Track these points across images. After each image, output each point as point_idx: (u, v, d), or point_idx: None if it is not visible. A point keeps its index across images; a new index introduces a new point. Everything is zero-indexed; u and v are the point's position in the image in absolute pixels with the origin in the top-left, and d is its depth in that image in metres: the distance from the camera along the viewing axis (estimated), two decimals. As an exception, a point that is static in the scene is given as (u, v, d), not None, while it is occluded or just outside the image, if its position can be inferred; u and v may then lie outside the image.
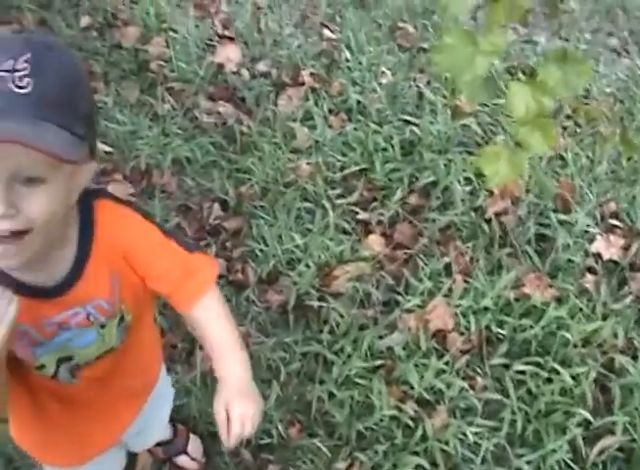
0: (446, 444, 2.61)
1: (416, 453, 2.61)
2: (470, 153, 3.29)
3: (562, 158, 3.28)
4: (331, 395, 2.71)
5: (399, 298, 2.89)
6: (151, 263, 1.66)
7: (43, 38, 1.41)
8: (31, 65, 1.31)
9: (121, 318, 1.68)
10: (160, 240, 1.65)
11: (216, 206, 3.16)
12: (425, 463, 2.58)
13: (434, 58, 1.83)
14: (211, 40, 3.74)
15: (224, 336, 1.78)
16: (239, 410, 1.69)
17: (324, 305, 2.87)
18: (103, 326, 1.65)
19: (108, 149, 3.34)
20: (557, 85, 1.88)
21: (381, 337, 2.80)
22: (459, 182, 3.16)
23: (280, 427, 2.66)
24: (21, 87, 1.30)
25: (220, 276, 2.96)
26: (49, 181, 1.35)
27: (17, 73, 1.30)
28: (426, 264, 2.94)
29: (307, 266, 2.96)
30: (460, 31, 1.80)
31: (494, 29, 1.78)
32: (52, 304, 1.56)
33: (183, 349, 2.83)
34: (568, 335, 2.75)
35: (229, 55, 3.64)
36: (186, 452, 2.60)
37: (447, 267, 2.95)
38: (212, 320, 1.77)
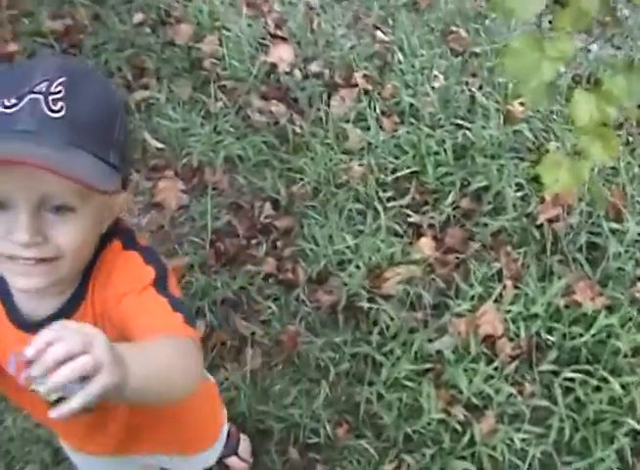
0: (493, 449, 2.61)
1: (463, 458, 2.61)
2: (521, 159, 3.28)
3: (613, 167, 3.26)
4: (379, 396, 2.72)
5: (449, 302, 2.89)
6: (130, 318, 1.40)
7: (80, 64, 1.38)
8: (66, 88, 1.28)
9: None
10: (151, 294, 1.41)
11: (267, 205, 3.17)
12: (472, 468, 2.58)
13: (502, 61, 1.83)
14: (264, 39, 3.75)
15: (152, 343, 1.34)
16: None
17: (374, 306, 2.87)
18: None
19: (160, 145, 3.36)
20: (622, 94, 1.88)
21: (430, 340, 2.80)
22: (511, 187, 3.15)
23: (328, 427, 2.68)
24: (54, 111, 1.27)
25: (270, 275, 2.99)
26: (79, 211, 1.33)
27: (50, 97, 1.27)
28: (476, 269, 2.93)
29: (358, 267, 2.96)
30: (527, 36, 1.81)
31: (561, 36, 1.79)
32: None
33: (232, 346, 2.85)
34: (618, 344, 2.74)
35: (282, 55, 3.65)
36: (237, 454, 2.60)
37: (498, 273, 2.95)
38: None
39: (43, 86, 1.27)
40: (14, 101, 1.26)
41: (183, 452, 2.06)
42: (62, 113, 1.27)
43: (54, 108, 1.27)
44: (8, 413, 2.74)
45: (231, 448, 2.57)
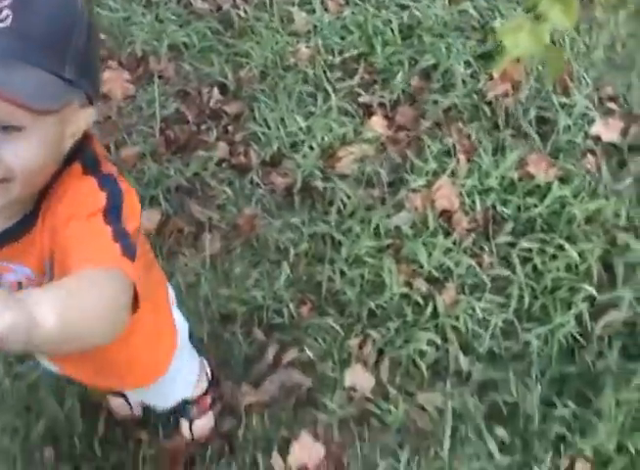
0: (456, 319, 2.65)
1: (427, 330, 2.64)
2: (467, 37, 3.28)
3: (560, 43, 3.28)
4: (341, 274, 2.73)
5: (405, 178, 2.90)
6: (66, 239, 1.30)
7: None
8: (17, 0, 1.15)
9: None
10: (97, 222, 1.29)
11: (215, 90, 3.13)
12: (436, 338, 2.62)
13: None
14: None
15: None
16: None
17: (329, 185, 2.87)
18: None
19: (101, 36, 3.28)
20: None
21: (388, 216, 2.81)
22: (459, 65, 3.15)
23: (291, 306, 2.69)
24: None
25: (223, 160, 2.97)
26: (29, 129, 1.20)
27: None
28: (429, 146, 2.94)
29: (311, 148, 2.95)
30: None
31: None
32: None
33: (189, 232, 2.83)
34: (573, 212, 2.78)
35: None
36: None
37: (451, 149, 2.96)
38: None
39: None
40: None
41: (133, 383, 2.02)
42: (7, 22, 1.14)
43: None
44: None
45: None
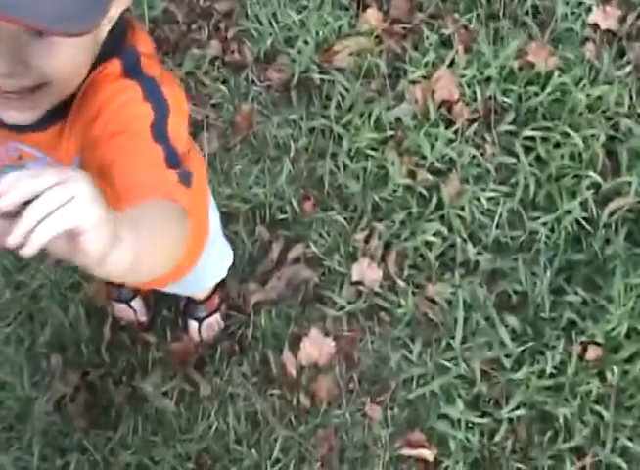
0: (461, 209, 2.63)
1: (432, 221, 2.62)
2: None
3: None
4: (344, 167, 2.69)
5: (403, 69, 2.83)
6: (115, 159, 1.21)
7: None
8: None
9: None
10: (145, 139, 1.23)
11: (204, -14, 3.03)
12: (442, 229, 2.59)
13: None
14: None
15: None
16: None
17: (327, 77, 2.80)
18: None
19: None
20: None
21: (388, 108, 2.76)
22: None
23: (294, 202, 2.65)
24: None
25: (215, 58, 2.89)
26: None
27: None
28: (426, 37, 2.87)
29: (306, 43, 2.87)
30: None
31: None
32: (17, 134, 1.34)
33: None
34: (577, 97, 2.74)
35: None
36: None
37: (448, 40, 2.89)
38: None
39: None
40: None
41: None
42: None
43: None
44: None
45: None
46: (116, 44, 1.28)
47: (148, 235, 1.02)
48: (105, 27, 1.21)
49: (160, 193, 1.16)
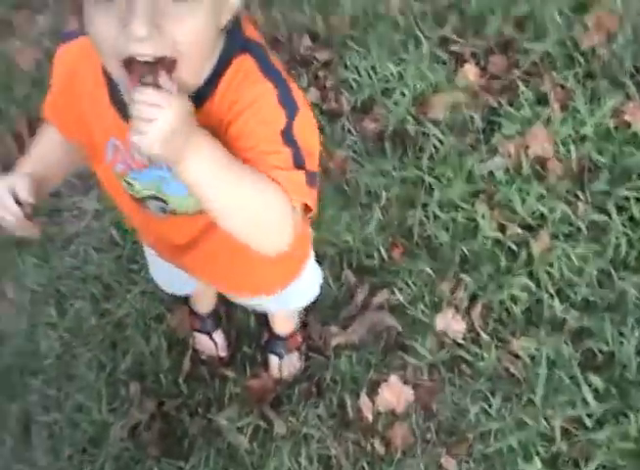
0: (551, 266, 2.60)
1: (520, 276, 2.60)
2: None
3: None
4: (434, 218, 2.69)
5: (498, 125, 2.85)
6: (245, 150, 1.36)
7: None
8: None
9: None
10: (273, 140, 1.36)
11: (306, 37, 3.11)
12: (530, 284, 2.57)
13: None
14: None
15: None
16: None
17: (422, 129, 2.83)
18: None
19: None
20: None
21: (481, 161, 2.77)
22: (553, 15, 3.08)
23: (382, 249, 2.66)
24: None
25: (314, 105, 2.93)
26: None
27: None
28: (522, 93, 2.89)
29: (403, 95, 2.92)
30: None
31: None
32: None
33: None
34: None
35: None
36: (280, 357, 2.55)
37: (544, 97, 2.90)
38: None
39: None
40: None
41: (239, 292, 2.05)
42: None
43: None
44: (53, 251, 2.76)
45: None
46: (237, 37, 1.37)
47: (249, 186, 1.30)
48: (227, 14, 1.30)
49: (287, 190, 1.32)
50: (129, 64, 1.22)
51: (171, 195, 1.54)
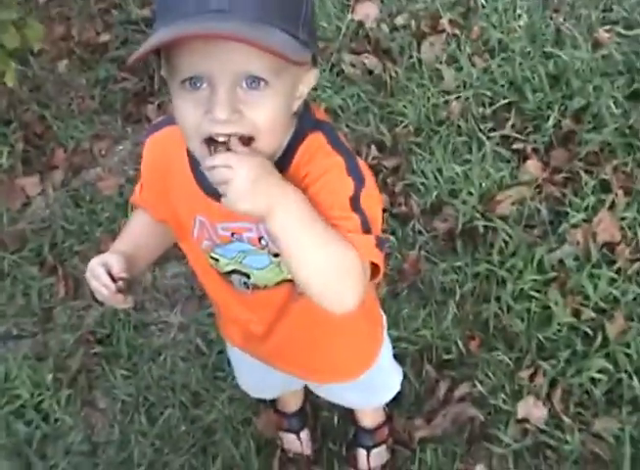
0: (627, 346, 2.65)
1: (598, 358, 2.64)
2: (614, 80, 3.32)
3: None
4: (508, 309, 2.77)
5: (564, 215, 2.94)
6: None
7: None
8: None
9: None
10: (343, 207, 1.46)
11: (373, 147, 3.26)
12: (608, 366, 2.62)
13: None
14: (348, 0, 3.85)
15: None
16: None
17: (490, 224, 2.94)
18: (276, 255, 1.62)
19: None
20: None
21: (550, 251, 2.85)
22: (609, 107, 3.19)
23: (459, 343, 2.74)
24: None
25: (384, 210, 3.04)
26: (272, 84, 1.35)
27: None
28: (586, 183, 2.98)
29: (470, 194, 3.04)
30: None
31: None
32: (225, 209, 1.49)
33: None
34: None
35: (367, 12, 3.75)
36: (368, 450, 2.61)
37: (607, 184, 2.99)
38: None
39: None
40: None
41: (320, 378, 2.12)
42: None
43: None
44: (142, 362, 2.88)
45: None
46: (309, 119, 1.53)
47: (330, 242, 1.42)
48: (297, 101, 1.46)
49: (361, 251, 1.44)
50: (210, 142, 1.39)
51: (252, 269, 1.68)
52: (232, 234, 1.62)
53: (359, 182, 1.48)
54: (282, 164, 1.47)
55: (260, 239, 1.60)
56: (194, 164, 1.58)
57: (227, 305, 1.88)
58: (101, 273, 1.59)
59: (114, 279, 1.59)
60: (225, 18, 1.29)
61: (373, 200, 1.51)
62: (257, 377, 2.21)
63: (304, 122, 1.51)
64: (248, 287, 1.73)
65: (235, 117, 1.35)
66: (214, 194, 1.51)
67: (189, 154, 1.57)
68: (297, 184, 1.45)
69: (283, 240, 1.42)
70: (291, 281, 1.67)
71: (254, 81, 1.34)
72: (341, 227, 1.44)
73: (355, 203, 1.46)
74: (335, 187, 1.47)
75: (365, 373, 2.09)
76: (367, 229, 1.46)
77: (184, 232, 1.73)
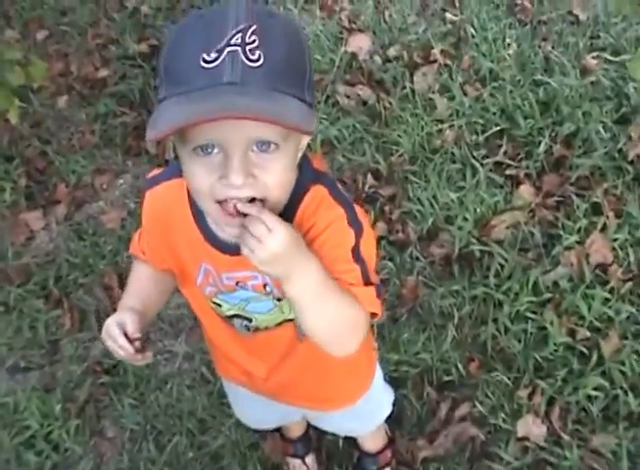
0: (622, 364, 2.71)
1: (594, 376, 2.71)
2: (603, 105, 3.41)
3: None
4: (505, 331, 2.84)
5: (557, 238, 3.01)
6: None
7: (264, 7, 1.44)
8: (259, 36, 1.33)
9: None
10: (346, 260, 1.57)
11: (369, 176, 3.34)
12: (604, 383, 2.68)
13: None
14: (341, 33, 3.95)
15: None
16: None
17: (486, 249, 3.01)
18: (279, 299, 1.69)
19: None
20: None
21: (545, 273, 2.92)
22: (598, 132, 3.28)
23: (459, 365, 2.80)
24: (252, 60, 1.33)
25: (381, 237, 3.14)
26: (281, 148, 1.40)
27: (247, 47, 1.32)
28: (578, 206, 3.06)
29: (465, 220, 3.11)
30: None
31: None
32: (231, 259, 1.62)
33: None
34: None
35: (360, 44, 3.85)
36: None
37: (598, 207, 3.07)
38: None
39: (238, 38, 1.33)
40: (214, 55, 1.32)
41: (323, 406, 2.14)
42: (260, 61, 1.33)
43: (252, 58, 1.33)
44: (148, 391, 2.93)
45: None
46: (309, 169, 1.59)
47: (340, 301, 1.54)
48: (299, 153, 1.51)
49: (364, 303, 1.57)
50: (223, 201, 1.45)
51: (255, 313, 1.74)
52: (236, 283, 1.68)
53: (359, 231, 1.57)
54: (286, 215, 1.51)
55: (265, 285, 1.67)
56: (197, 216, 1.64)
57: (227, 348, 1.93)
58: (117, 335, 1.60)
59: (129, 338, 1.61)
60: (239, 92, 1.32)
61: (370, 244, 1.61)
62: (258, 412, 2.27)
63: (305, 174, 1.57)
64: (249, 330, 1.80)
65: (249, 181, 1.40)
66: (219, 246, 1.61)
67: (191, 207, 1.63)
68: (303, 235, 1.52)
69: (298, 301, 1.52)
70: (291, 320, 1.75)
71: (265, 144, 1.39)
72: (343, 281, 1.55)
73: (356, 253, 1.57)
74: (338, 240, 1.56)
75: (363, 395, 2.15)
76: (367, 278, 1.58)
77: (187, 279, 1.78)
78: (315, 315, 1.55)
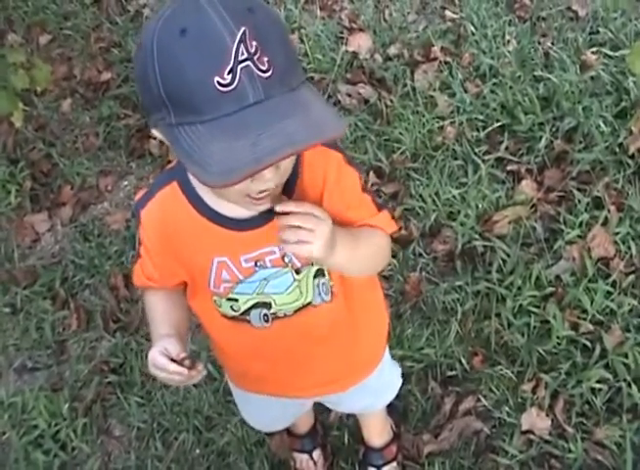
0: (625, 357, 2.73)
1: (597, 369, 2.72)
2: (603, 100, 3.42)
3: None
4: (508, 325, 2.86)
5: (559, 232, 3.03)
6: (341, 212, 1.65)
7: (234, 2, 1.33)
8: (256, 39, 1.29)
9: (319, 272, 1.74)
10: (359, 196, 1.69)
11: (372, 174, 3.36)
12: (608, 376, 2.70)
13: None
14: (341, 33, 3.97)
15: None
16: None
17: (488, 244, 3.03)
18: (298, 272, 1.70)
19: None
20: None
21: (547, 267, 2.94)
22: (599, 126, 3.30)
23: (463, 360, 2.82)
24: (264, 70, 1.29)
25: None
26: None
27: (255, 57, 1.28)
28: (579, 200, 3.08)
29: (467, 216, 3.13)
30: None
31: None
32: (248, 237, 1.63)
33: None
34: None
35: (360, 43, 3.87)
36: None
37: (599, 201, 3.09)
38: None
39: (243, 51, 1.27)
40: (229, 77, 1.28)
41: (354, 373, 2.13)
42: (271, 70, 1.29)
43: (263, 68, 1.29)
44: (155, 389, 2.96)
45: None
46: None
47: (369, 246, 1.70)
48: None
49: (380, 227, 1.74)
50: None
51: (274, 295, 1.73)
52: (255, 263, 1.67)
53: (357, 167, 1.70)
54: (291, 177, 1.55)
55: (284, 257, 1.68)
56: (201, 208, 1.64)
57: (241, 347, 1.91)
58: (166, 363, 1.59)
59: (177, 362, 1.61)
60: (275, 111, 1.29)
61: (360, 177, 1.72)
62: (272, 414, 2.28)
63: None
64: (267, 320, 1.78)
65: (274, 172, 1.43)
66: (234, 226, 1.62)
67: (191, 202, 1.64)
68: (313, 188, 1.61)
69: (342, 265, 1.65)
70: (308, 305, 1.76)
71: None
72: (363, 215, 1.71)
73: (363, 186, 1.70)
74: (345, 185, 1.66)
75: (377, 367, 2.16)
76: (378, 204, 1.74)
77: (198, 286, 1.77)
78: (357, 267, 1.71)
